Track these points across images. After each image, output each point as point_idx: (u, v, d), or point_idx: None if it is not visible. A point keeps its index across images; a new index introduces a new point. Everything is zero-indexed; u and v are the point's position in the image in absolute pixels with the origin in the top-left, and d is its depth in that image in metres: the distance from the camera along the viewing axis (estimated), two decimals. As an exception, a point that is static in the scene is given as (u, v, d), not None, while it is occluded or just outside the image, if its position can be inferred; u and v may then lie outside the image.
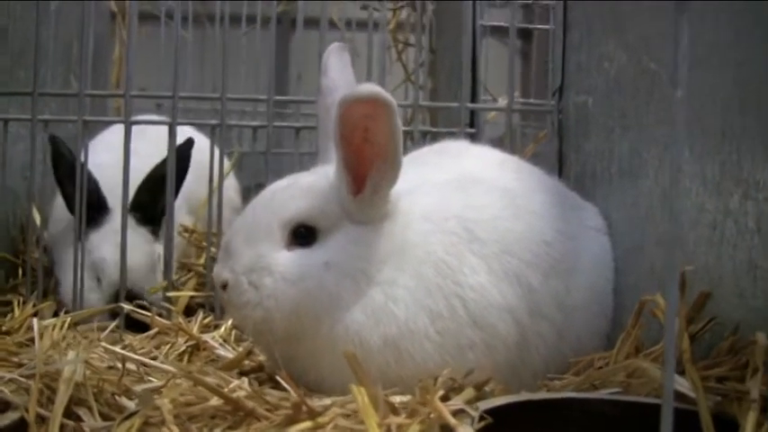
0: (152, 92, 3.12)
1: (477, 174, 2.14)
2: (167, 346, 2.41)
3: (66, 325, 2.44)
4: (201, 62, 4.17)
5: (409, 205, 1.98)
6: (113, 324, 2.57)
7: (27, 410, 1.45)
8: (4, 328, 2.37)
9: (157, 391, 1.64)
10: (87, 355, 1.63)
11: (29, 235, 2.89)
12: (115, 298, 2.68)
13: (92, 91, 2.86)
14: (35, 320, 1.70)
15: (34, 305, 2.62)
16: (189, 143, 2.75)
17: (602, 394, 1.65)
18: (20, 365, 1.74)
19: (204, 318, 2.57)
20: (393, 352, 1.89)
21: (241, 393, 1.58)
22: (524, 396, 1.63)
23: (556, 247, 2.07)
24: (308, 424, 1.40)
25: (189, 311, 2.77)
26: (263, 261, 1.92)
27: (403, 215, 1.97)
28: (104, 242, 2.76)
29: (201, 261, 2.98)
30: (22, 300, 2.65)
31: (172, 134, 2.71)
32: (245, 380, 1.78)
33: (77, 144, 2.73)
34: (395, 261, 1.93)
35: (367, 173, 1.90)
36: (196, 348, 2.40)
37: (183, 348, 2.40)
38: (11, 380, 1.60)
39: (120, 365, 1.86)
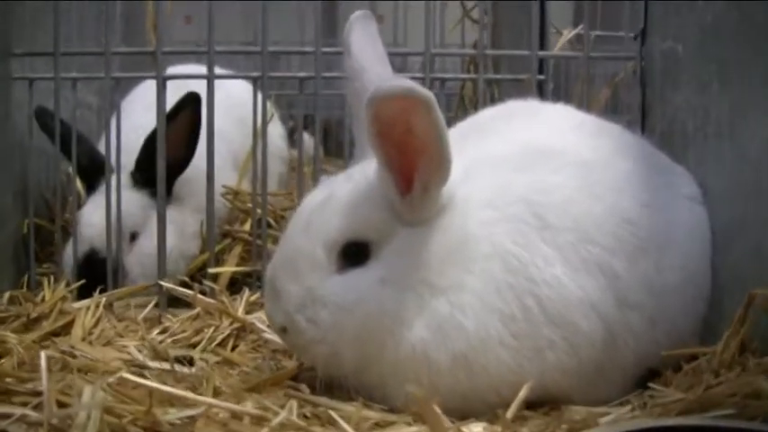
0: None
1: (548, 144, 1.86)
2: (211, 329, 2.21)
3: (101, 307, 2.29)
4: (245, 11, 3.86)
5: (468, 191, 1.72)
6: (152, 303, 2.37)
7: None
8: (33, 315, 2.16)
9: (191, 424, 1.41)
10: (104, 394, 1.38)
11: (58, 198, 2.66)
12: (86, 260, 2.48)
13: (121, 48, 2.60)
14: (42, 357, 1.45)
15: (67, 284, 2.42)
16: (191, 98, 2.48)
17: (715, 420, 1.40)
18: (31, 395, 1.52)
19: (250, 296, 2.34)
20: (464, 368, 1.67)
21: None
22: (624, 427, 1.38)
23: (642, 224, 1.79)
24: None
25: (235, 285, 2.56)
26: (313, 294, 1.69)
27: (462, 205, 1.71)
28: (89, 203, 2.57)
29: (247, 227, 2.72)
30: (52, 278, 2.43)
31: (210, 89, 2.45)
32: (293, 406, 1.54)
33: (106, 102, 2.50)
34: (458, 261, 1.68)
35: (413, 170, 1.64)
36: (242, 330, 2.20)
37: (228, 332, 2.19)
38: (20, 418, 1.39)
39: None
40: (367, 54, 1.86)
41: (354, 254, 1.70)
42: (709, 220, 1.93)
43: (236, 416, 1.48)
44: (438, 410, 1.35)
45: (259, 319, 2.20)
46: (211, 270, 2.45)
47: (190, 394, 1.49)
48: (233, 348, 2.15)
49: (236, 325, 2.20)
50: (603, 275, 1.73)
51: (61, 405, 1.44)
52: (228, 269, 2.51)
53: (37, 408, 1.42)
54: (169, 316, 2.35)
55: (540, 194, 1.74)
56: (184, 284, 2.46)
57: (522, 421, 1.66)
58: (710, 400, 1.44)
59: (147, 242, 2.53)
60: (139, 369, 1.88)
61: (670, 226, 1.86)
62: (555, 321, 1.69)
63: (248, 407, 1.49)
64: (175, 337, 2.21)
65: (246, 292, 2.37)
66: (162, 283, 2.38)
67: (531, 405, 1.69)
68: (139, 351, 2.09)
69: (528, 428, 1.60)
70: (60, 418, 1.31)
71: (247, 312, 2.28)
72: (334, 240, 1.70)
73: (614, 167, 1.85)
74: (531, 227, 1.71)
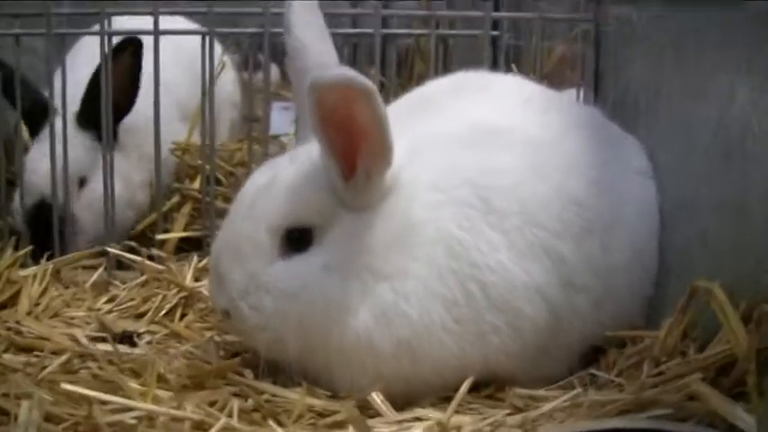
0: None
1: (496, 122, 1.83)
2: (158, 298, 2.21)
3: (48, 274, 2.28)
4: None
5: (414, 173, 1.70)
6: (99, 270, 2.35)
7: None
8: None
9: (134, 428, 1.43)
10: (39, 410, 1.38)
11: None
12: (36, 210, 2.44)
13: (63, 10, 2.54)
14: None
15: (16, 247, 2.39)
16: (130, 42, 2.43)
17: (649, 422, 1.42)
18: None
19: (198, 263, 2.32)
20: (408, 354, 1.67)
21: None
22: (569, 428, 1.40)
23: (590, 205, 1.79)
24: None
25: (186, 244, 2.54)
26: (257, 280, 1.68)
27: (407, 188, 1.69)
28: (34, 150, 2.51)
29: (196, 185, 2.69)
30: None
31: (156, 46, 2.40)
32: (234, 408, 1.55)
33: (47, 62, 2.44)
34: (402, 246, 1.67)
35: (356, 155, 1.62)
36: (190, 299, 2.21)
37: (176, 301, 2.20)
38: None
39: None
40: (308, 32, 1.82)
41: (298, 239, 1.69)
42: (657, 196, 1.92)
43: (178, 419, 1.48)
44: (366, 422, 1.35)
45: (207, 287, 2.20)
46: (159, 236, 2.43)
47: (130, 402, 1.49)
48: (181, 317, 2.16)
49: (183, 293, 2.20)
50: (549, 259, 1.73)
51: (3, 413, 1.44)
52: (176, 235, 2.49)
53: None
54: (117, 282, 2.34)
55: (486, 177, 1.73)
56: (132, 248, 2.44)
57: (466, 408, 1.68)
58: (649, 400, 1.46)
59: (97, 186, 2.48)
60: (85, 350, 1.87)
61: (618, 204, 1.85)
62: (498, 306, 1.69)
63: (188, 411, 1.49)
64: (123, 307, 2.21)
65: (195, 258, 2.34)
66: (109, 249, 2.35)
67: (475, 386, 1.70)
68: (87, 323, 2.10)
69: (470, 418, 1.61)
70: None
71: (195, 279, 2.28)
72: (277, 225, 1.68)
73: (563, 145, 1.83)
74: (477, 211, 1.70)
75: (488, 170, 1.74)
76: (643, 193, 1.92)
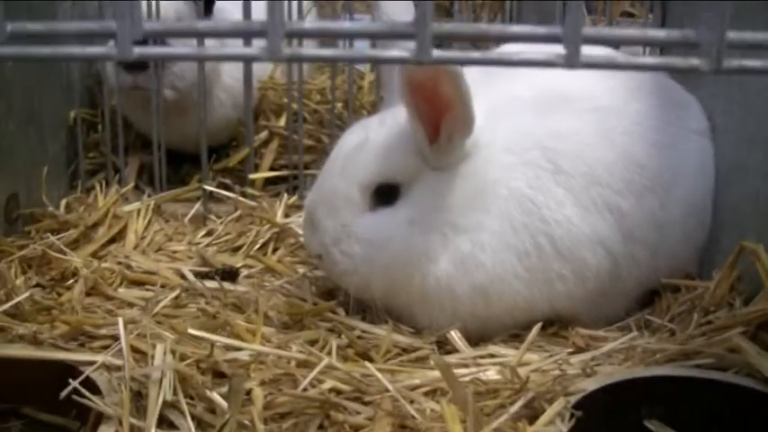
0: None
1: (566, 88, 1.99)
2: (252, 233, 2.44)
3: (150, 209, 2.51)
4: None
5: (490, 138, 1.88)
6: (197, 205, 2.59)
7: (121, 423, 1.49)
8: (90, 223, 2.39)
9: (246, 369, 1.67)
10: (176, 352, 1.63)
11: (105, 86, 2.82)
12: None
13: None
14: (120, 324, 1.69)
15: (119, 182, 2.64)
16: None
17: (694, 371, 1.63)
18: (111, 338, 1.78)
19: (288, 200, 2.55)
20: (482, 297, 1.88)
21: (325, 386, 1.59)
22: (613, 378, 1.61)
23: (651, 166, 1.96)
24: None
25: (275, 178, 2.78)
26: (348, 230, 1.88)
27: (484, 150, 1.88)
28: None
29: (282, 122, 2.90)
30: (104, 182, 2.65)
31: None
32: (333, 345, 1.79)
33: None
34: (479, 203, 1.87)
35: (440, 122, 1.80)
36: (281, 233, 2.43)
37: (268, 236, 2.42)
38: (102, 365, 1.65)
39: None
40: (395, 4, 1.99)
41: (386, 194, 1.89)
42: (714, 156, 2.08)
43: (285, 358, 1.72)
44: (454, 372, 1.57)
45: (296, 224, 2.43)
46: (252, 175, 2.65)
47: (244, 344, 1.73)
48: (273, 251, 2.39)
49: (275, 229, 2.43)
50: (611, 214, 1.91)
51: (136, 351, 1.69)
52: (266, 174, 2.72)
53: (116, 355, 1.67)
54: (212, 216, 2.57)
55: (555, 141, 1.91)
56: (225, 185, 2.67)
57: (533, 345, 1.89)
58: (694, 350, 1.66)
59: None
60: (192, 286, 2.10)
61: (677, 163, 2.02)
62: (565, 256, 1.89)
63: (294, 351, 1.73)
64: (220, 241, 2.45)
65: (284, 196, 2.57)
66: (205, 186, 2.58)
67: (542, 325, 1.90)
68: (189, 258, 2.34)
69: (538, 356, 1.83)
70: (139, 374, 1.57)
71: (285, 216, 2.50)
72: (368, 182, 1.89)
73: (627, 110, 1.99)
74: (546, 171, 1.89)
75: (557, 134, 1.91)
76: (700, 152, 2.08)
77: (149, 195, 2.59)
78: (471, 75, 1.76)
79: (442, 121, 1.81)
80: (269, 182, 2.77)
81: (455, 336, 1.87)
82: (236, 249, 2.39)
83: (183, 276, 2.19)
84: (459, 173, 1.87)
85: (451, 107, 1.77)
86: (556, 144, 1.90)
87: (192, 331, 1.70)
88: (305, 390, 1.57)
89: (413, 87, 1.76)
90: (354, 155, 1.90)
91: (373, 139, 1.90)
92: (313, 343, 1.81)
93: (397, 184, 1.88)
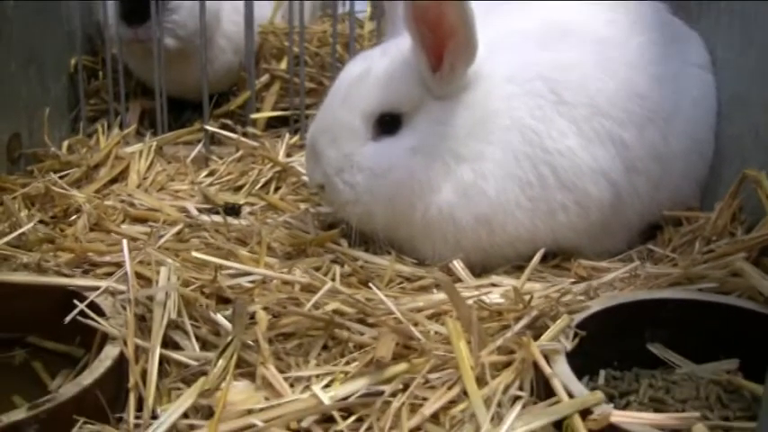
0: None
1: (567, 20, 1.96)
2: (254, 172, 2.42)
3: (152, 150, 2.49)
4: None
5: (492, 68, 1.85)
6: (199, 146, 2.56)
7: (125, 343, 1.48)
8: (92, 163, 2.37)
9: (250, 294, 1.66)
10: (180, 277, 1.62)
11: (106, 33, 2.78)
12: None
13: None
14: (125, 246, 1.67)
15: (120, 125, 2.62)
16: None
17: (697, 294, 1.61)
18: (114, 265, 1.76)
19: (290, 139, 2.53)
20: (485, 227, 1.86)
21: (329, 307, 1.58)
22: (617, 300, 1.60)
23: (652, 97, 1.93)
24: (403, 366, 1.41)
25: (275, 121, 2.75)
26: (351, 159, 1.87)
27: (486, 80, 1.85)
28: None
29: (283, 65, 2.87)
30: (106, 125, 2.63)
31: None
32: (337, 272, 1.78)
33: None
34: (481, 132, 1.84)
35: (443, 50, 1.77)
36: (283, 172, 2.41)
37: (270, 175, 2.40)
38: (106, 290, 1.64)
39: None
40: None
41: (388, 124, 1.87)
42: (716, 89, 2.06)
43: (289, 282, 1.71)
44: (459, 291, 1.56)
45: (299, 163, 2.41)
46: (253, 115, 2.62)
47: (248, 267, 1.71)
48: (275, 190, 2.37)
49: (277, 168, 2.41)
50: (614, 145, 1.89)
51: (140, 277, 1.67)
52: (268, 114, 2.69)
53: (119, 280, 1.65)
54: (214, 157, 2.55)
55: (557, 72, 1.88)
56: (227, 126, 2.65)
57: (536, 276, 1.88)
58: (697, 275, 1.65)
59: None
60: (195, 221, 2.08)
61: (678, 96, 1.99)
62: (567, 187, 1.87)
63: (298, 275, 1.72)
64: (222, 180, 2.43)
65: (286, 136, 2.54)
66: (207, 127, 2.56)
67: (544, 257, 1.89)
68: (192, 196, 2.32)
69: (541, 285, 1.81)
70: (143, 296, 1.55)
71: (287, 155, 2.48)
72: (371, 111, 1.86)
73: (630, 42, 1.96)
74: (548, 102, 1.86)
75: (559, 66, 1.89)
76: (701, 85, 2.05)
77: (151, 137, 2.56)
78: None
79: (445, 49, 1.79)
80: (270, 125, 2.75)
81: (458, 266, 1.86)
82: (239, 188, 2.38)
83: (186, 213, 2.17)
84: (461, 102, 1.84)
85: (455, 35, 1.75)
86: (558, 75, 1.88)
87: (196, 254, 1.68)
88: (309, 311, 1.56)
89: (417, 15, 1.73)
90: (357, 85, 1.88)
91: (376, 68, 1.87)
92: (317, 270, 1.80)
93: (400, 114, 1.86)
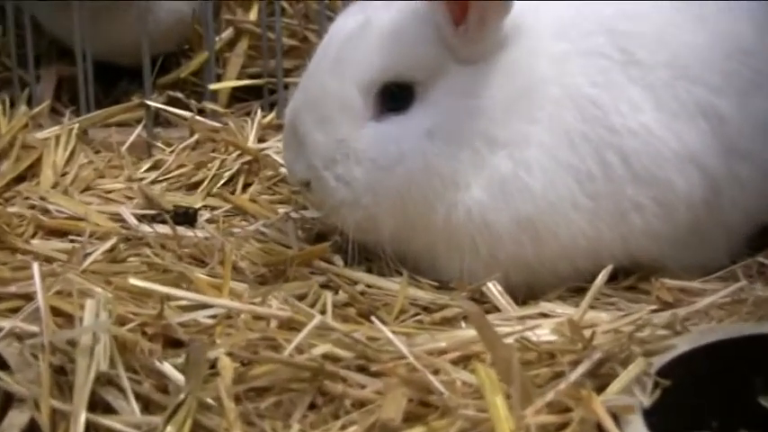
0: None
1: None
2: (215, 165, 2.43)
3: (74, 136, 2.50)
4: None
5: (536, 19, 1.87)
6: (138, 129, 2.58)
7: (38, 406, 1.49)
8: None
9: (210, 335, 1.67)
10: (113, 312, 1.63)
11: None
12: None
13: None
14: (36, 270, 1.69)
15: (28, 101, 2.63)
16: None
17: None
18: (22, 298, 1.77)
19: (263, 117, 2.54)
20: (530, 234, 1.87)
21: (318, 351, 1.59)
22: (715, 336, 1.60)
23: (759, 53, 1.94)
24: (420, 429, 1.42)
25: (245, 93, 2.77)
26: (345, 146, 1.88)
27: (528, 36, 1.86)
28: None
29: (252, 16, 2.89)
30: (8, 101, 2.64)
31: None
32: (328, 301, 1.80)
33: None
34: (522, 107, 1.85)
35: (468, -5, 1.77)
36: (254, 163, 2.43)
37: (237, 167, 2.42)
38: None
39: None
40: None
41: (396, 97, 1.88)
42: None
43: (262, 317, 1.72)
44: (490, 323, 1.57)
45: (275, 150, 2.42)
46: (213, 86, 2.64)
47: (206, 297, 1.73)
48: (244, 188, 2.39)
49: (246, 158, 2.42)
50: (706, 120, 1.90)
51: (58, 314, 1.68)
52: (232, 83, 2.71)
53: (29, 319, 1.66)
54: (160, 144, 2.57)
55: (626, 22, 1.89)
56: (176, 100, 2.66)
57: (602, 302, 1.89)
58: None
59: None
60: (133, 233, 2.10)
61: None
62: (642, 179, 1.88)
63: (274, 307, 1.73)
64: (171, 176, 2.45)
65: (258, 112, 2.56)
66: (149, 102, 2.57)
67: (613, 275, 1.89)
68: (129, 198, 2.33)
69: (608, 315, 1.82)
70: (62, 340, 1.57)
71: (260, 140, 2.50)
72: (370, 80, 1.87)
73: None
74: (615, 63, 1.87)
75: (628, 13, 1.90)
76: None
77: (71, 118, 2.57)
78: None
79: (470, -4, 1.79)
80: (236, 96, 2.77)
81: (494, 289, 1.86)
82: (194, 186, 2.41)
83: (121, 222, 2.19)
84: (494, 67, 1.86)
85: None
86: (627, 26, 1.89)
87: (134, 281, 1.69)
88: (290, 356, 1.57)
89: None
90: (352, 44, 1.89)
91: (377, 22, 1.88)
92: (301, 299, 1.82)
93: (411, 84, 1.87)
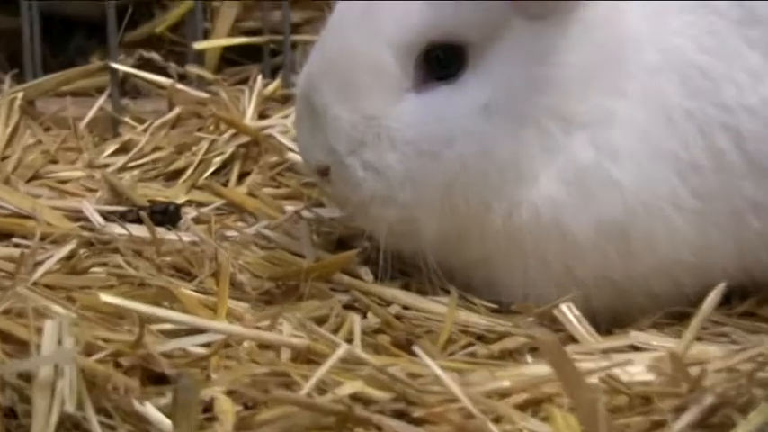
0: None
1: None
2: (201, 147, 2.47)
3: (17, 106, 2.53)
4: None
5: None
6: (101, 99, 2.61)
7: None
8: None
9: (203, 367, 1.70)
10: (79, 338, 1.66)
11: None
12: None
13: None
14: None
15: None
16: None
17: None
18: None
19: (264, 87, 2.57)
20: (616, 240, 1.90)
21: (344, 390, 1.62)
22: None
23: None
24: None
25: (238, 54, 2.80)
26: (377, 125, 1.91)
27: None
28: None
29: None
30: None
31: None
32: (356, 326, 1.82)
33: None
34: (607, 78, 1.89)
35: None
36: (252, 146, 2.46)
37: (231, 151, 2.45)
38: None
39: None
40: None
41: (443, 63, 1.91)
42: None
43: (271, 345, 1.75)
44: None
45: (281, 130, 2.46)
46: (199, 44, 2.67)
47: (198, 319, 1.75)
48: (240, 178, 2.43)
49: (243, 139, 2.46)
50: None
51: (8, 339, 1.72)
52: (223, 42, 2.74)
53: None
54: (129, 120, 2.61)
55: None
56: (148, 62, 2.69)
57: (711, 331, 1.92)
58: None
59: None
60: (97, 235, 2.13)
61: None
62: (764, 171, 1.92)
63: (285, 333, 1.77)
64: (144, 161, 2.48)
65: (258, 79, 2.59)
66: (114, 65, 2.61)
67: (725, 297, 1.91)
68: (90, 190, 2.37)
69: (720, 349, 1.84)
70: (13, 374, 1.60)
71: (260, 116, 2.53)
72: (411, 41, 1.90)
73: None
74: (728, 22, 1.91)
75: None
76: None
77: (13, 85, 2.60)
78: None
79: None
80: (229, 59, 2.80)
81: (569, 313, 1.88)
82: (175, 175, 2.45)
83: (82, 221, 2.23)
84: (570, 23, 1.89)
85: None
86: None
87: (107, 299, 1.72)
88: (309, 396, 1.59)
89: None
90: None
91: None
92: (320, 323, 1.84)
93: (463, 45, 1.90)
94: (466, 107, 1.89)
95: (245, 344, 1.75)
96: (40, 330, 1.65)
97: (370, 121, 1.91)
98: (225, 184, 2.38)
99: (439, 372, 1.61)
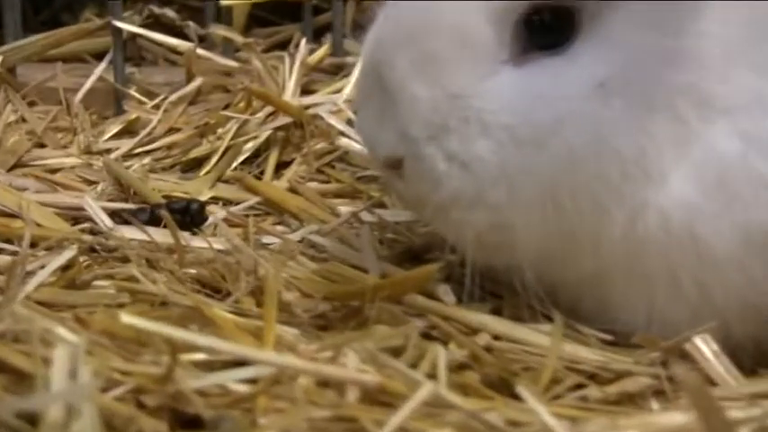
0: None
1: None
2: (230, 129, 2.48)
3: None
4: None
5: None
6: (101, 66, 2.63)
7: None
8: None
9: (249, 408, 1.71)
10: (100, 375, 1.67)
11: None
12: None
13: None
14: None
15: None
16: None
17: None
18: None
19: (309, 54, 2.59)
20: (767, 256, 1.91)
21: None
22: None
23: None
24: None
25: (271, 12, 2.82)
26: (465, 107, 1.91)
27: None
28: None
29: None
30: None
31: None
32: (440, 360, 1.83)
33: None
34: (757, 52, 1.89)
35: None
36: (297, 128, 2.47)
37: (267, 134, 2.46)
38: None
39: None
40: None
41: (547, 29, 1.92)
42: None
43: (331, 384, 1.76)
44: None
45: (329, 108, 2.47)
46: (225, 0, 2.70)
47: (238, 348, 1.76)
48: (278, 169, 2.45)
49: (284, 120, 2.48)
50: None
51: (4, 370, 1.73)
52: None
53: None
54: (136, 94, 2.62)
55: None
56: (159, 21, 2.71)
57: None
58: None
59: None
60: (100, 240, 2.14)
61: None
62: None
63: (351, 367, 1.77)
64: (157, 147, 2.50)
65: (302, 47, 2.61)
66: (118, 23, 2.63)
67: None
68: (90, 183, 2.38)
69: None
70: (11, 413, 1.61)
71: (303, 90, 2.54)
72: (507, 5, 1.93)
73: None
74: None
75: None
76: None
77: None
78: None
79: None
80: (261, 18, 2.81)
81: (705, 348, 1.88)
82: (195, 165, 2.46)
83: (83, 220, 2.25)
84: None
85: None
86: None
87: (129, 320, 1.72)
88: (385, 446, 1.60)
89: None
90: None
91: None
92: (394, 355, 1.84)
93: (573, 7, 1.90)
94: (577, 85, 1.88)
95: (301, 380, 1.74)
96: (47, 360, 1.65)
97: (455, 102, 1.92)
98: (259, 177, 2.38)
99: (549, 419, 1.62)
